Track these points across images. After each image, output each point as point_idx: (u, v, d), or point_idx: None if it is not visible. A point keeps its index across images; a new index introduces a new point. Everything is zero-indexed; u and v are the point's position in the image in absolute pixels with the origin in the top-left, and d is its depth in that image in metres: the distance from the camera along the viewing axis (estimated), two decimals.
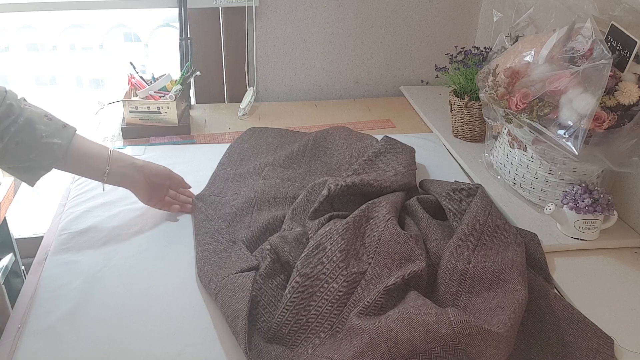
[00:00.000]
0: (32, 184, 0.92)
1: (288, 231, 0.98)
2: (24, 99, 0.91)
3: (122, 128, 1.39)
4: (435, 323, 0.72)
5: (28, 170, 0.90)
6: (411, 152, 1.25)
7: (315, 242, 0.92)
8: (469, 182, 1.24)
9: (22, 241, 1.60)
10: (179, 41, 1.54)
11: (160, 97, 1.42)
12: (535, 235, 1.01)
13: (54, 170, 0.93)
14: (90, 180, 1.20)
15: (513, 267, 0.88)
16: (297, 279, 0.86)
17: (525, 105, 0.99)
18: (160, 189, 1.08)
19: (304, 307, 0.84)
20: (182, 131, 1.42)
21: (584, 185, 1.02)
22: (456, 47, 1.53)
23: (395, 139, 1.29)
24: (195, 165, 1.28)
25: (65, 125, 0.93)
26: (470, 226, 0.95)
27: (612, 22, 0.98)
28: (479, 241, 0.93)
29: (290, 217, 1.02)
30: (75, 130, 0.95)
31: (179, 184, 1.12)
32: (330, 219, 1.00)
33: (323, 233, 0.94)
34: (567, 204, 1.02)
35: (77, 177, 1.22)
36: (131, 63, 1.45)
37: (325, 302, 0.84)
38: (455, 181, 1.15)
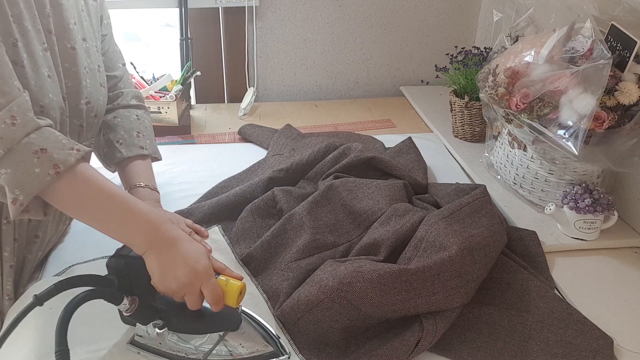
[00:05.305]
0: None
1: (296, 189, 1.13)
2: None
3: None
4: (326, 278, 0.81)
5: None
6: (425, 166, 1.27)
7: (312, 199, 1.03)
8: (470, 182, 1.24)
9: None
10: (179, 41, 1.54)
11: (160, 97, 1.42)
12: (534, 232, 1.01)
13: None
14: None
15: (465, 239, 0.86)
16: (279, 226, 0.98)
17: (525, 105, 0.99)
18: None
19: (273, 250, 0.96)
20: (182, 131, 1.42)
21: (584, 185, 1.02)
22: (456, 47, 1.53)
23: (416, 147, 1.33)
24: (195, 165, 1.28)
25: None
26: (453, 204, 0.96)
27: (612, 22, 0.98)
28: (451, 214, 0.93)
29: (305, 178, 1.19)
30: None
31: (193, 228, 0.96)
32: (336, 178, 1.11)
33: (319, 199, 1.03)
34: (567, 204, 1.02)
35: None
36: (131, 63, 1.45)
37: (286, 252, 0.95)
38: (456, 183, 1.15)
